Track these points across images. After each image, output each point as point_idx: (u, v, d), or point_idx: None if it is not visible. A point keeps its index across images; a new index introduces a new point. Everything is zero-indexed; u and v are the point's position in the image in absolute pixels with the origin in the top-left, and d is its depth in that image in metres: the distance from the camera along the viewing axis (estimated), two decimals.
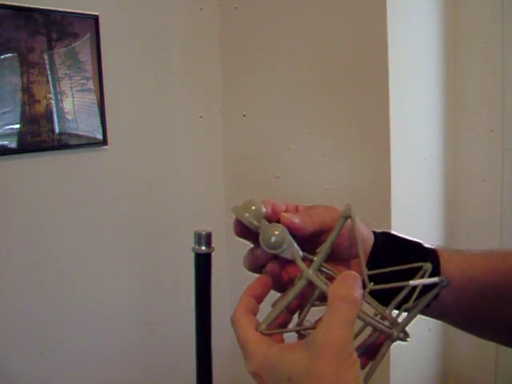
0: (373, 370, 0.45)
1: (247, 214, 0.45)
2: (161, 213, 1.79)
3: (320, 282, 0.43)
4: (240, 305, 0.45)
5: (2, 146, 1.38)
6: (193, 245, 0.48)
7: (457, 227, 1.92)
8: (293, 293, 0.44)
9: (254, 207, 0.45)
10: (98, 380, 1.66)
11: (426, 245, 0.54)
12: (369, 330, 0.46)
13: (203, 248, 0.47)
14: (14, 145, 1.40)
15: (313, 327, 0.45)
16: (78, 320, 1.60)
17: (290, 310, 0.47)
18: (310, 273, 0.43)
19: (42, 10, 1.41)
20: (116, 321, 1.70)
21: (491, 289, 0.51)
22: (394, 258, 0.51)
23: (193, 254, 0.48)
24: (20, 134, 1.40)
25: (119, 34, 1.64)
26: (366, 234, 0.51)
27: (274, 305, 0.46)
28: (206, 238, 0.47)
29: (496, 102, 1.74)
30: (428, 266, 0.48)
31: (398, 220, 1.61)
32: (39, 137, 1.44)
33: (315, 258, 0.46)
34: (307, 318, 0.46)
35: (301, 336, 0.46)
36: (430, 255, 0.52)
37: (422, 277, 0.48)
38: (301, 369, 0.38)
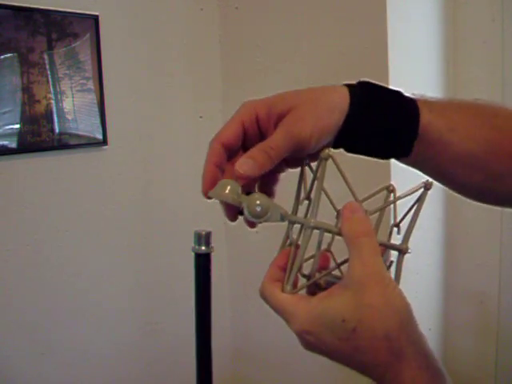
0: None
1: (227, 192, 0.44)
2: (161, 213, 1.79)
3: (328, 225, 0.45)
4: (266, 276, 0.46)
5: (2, 145, 1.38)
6: (193, 245, 0.48)
7: (457, 227, 1.92)
8: (303, 247, 0.44)
9: (229, 186, 0.45)
10: (98, 380, 1.66)
11: (406, 95, 0.49)
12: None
13: (203, 248, 0.47)
14: (14, 145, 1.40)
15: (336, 275, 0.46)
16: (78, 320, 1.60)
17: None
18: (312, 221, 0.44)
19: (42, 9, 1.41)
20: (116, 321, 1.70)
21: (469, 156, 0.49)
22: (371, 125, 0.48)
23: (193, 253, 0.48)
24: (20, 134, 1.40)
25: (119, 34, 1.64)
26: (337, 104, 0.47)
27: (273, 262, 0.47)
28: (206, 238, 0.47)
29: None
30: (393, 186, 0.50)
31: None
32: (39, 137, 1.44)
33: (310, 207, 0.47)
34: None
35: (314, 288, 0.46)
36: (411, 119, 0.48)
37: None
38: (351, 308, 0.39)
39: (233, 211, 0.47)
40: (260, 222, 0.46)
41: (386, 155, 0.51)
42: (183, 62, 1.84)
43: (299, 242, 0.46)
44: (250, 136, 0.47)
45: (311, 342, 0.42)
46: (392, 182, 0.49)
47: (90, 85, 1.55)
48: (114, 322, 1.69)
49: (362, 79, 0.50)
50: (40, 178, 1.49)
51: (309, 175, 0.49)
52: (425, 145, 0.48)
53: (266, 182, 0.50)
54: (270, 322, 2.03)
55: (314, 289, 0.47)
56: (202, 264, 0.47)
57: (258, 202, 0.45)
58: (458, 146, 0.48)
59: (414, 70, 1.63)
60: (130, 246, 1.71)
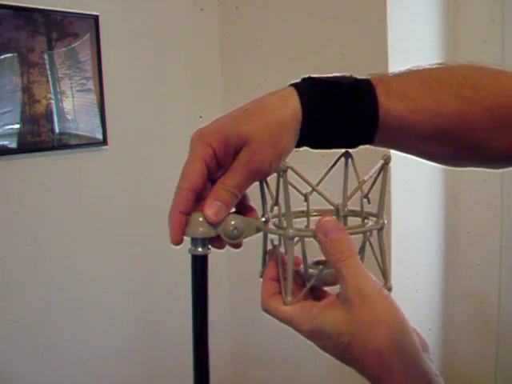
0: (385, 268, 0.49)
1: (201, 229, 0.45)
2: (160, 213, 1.78)
3: (306, 230, 0.46)
4: (264, 291, 0.47)
5: (2, 145, 1.38)
6: (189, 246, 0.48)
7: (457, 227, 1.93)
8: (291, 258, 0.45)
9: (200, 218, 0.45)
10: (98, 380, 1.66)
11: (362, 81, 0.48)
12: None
13: (199, 249, 0.47)
14: (14, 145, 1.40)
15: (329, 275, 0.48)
16: (78, 320, 1.60)
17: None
18: (291, 230, 0.45)
19: (42, 10, 1.41)
20: (115, 321, 1.70)
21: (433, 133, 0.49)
22: (329, 124, 0.47)
23: (190, 255, 0.48)
24: (20, 134, 1.40)
25: (119, 33, 1.64)
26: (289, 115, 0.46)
27: (265, 276, 0.48)
28: (202, 240, 0.47)
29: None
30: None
31: (398, 220, 1.61)
32: (39, 137, 1.44)
33: (283, 219, 0.48)
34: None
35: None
36: (368, 111, 0.47)
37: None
38: (344, 323, 0.41)
39: (217, 241, 0.48)
40: (241, 241, 0.47)
41: (350, 146, 0.50)
42: (183, 62, 1.84)
43: (282, 250, 0.47)
44: (211, 170, 0.46)
45: (319, 346, 0.44)
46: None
47: (90, 85, 1.55)
48: (113, 322, 1.69)
49: (306, 76, 0.49)
50: (40, 178, 1.49)
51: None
52: (387, 130, 0.48)
53: (238, 202, 0.49)
54: (270, 322, 2.03)
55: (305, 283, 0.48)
56: (199, 266, 0.47)
57: (232, 223, 0.46)
58: (423, 126, 0.48)
59: None
60: (130, 246, 1.71)
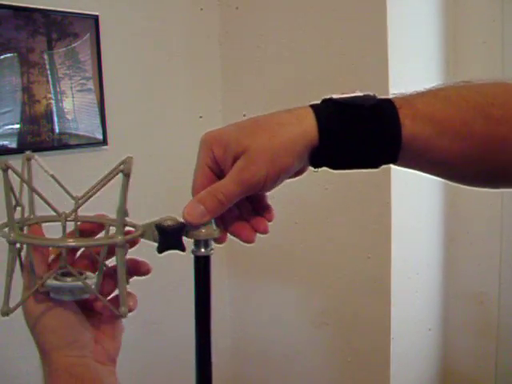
0: (121, 290, 0.47)
1: (203, 230, 0.46)
2: (160, 213, 1.78)
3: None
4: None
5: (2, 146, 1.38)
6: (192, 247, 0.48)
7: (457, 227, 1.92)
8: (121, 266, 0.45)
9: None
10: None
11: (387, 103, 0.45)
12: None
13: (202, 250, 0.47)
14: (14, 145, 1.40)
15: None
16: None
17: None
18: (120, 237, 0.45)
19: (42, 10, 1.41)
20: None
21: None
22: (348, 149, 0.45)
23: (192, 256, 0.48)
24: (20, 134, 1.40)
25: (119, 34, 1.64)
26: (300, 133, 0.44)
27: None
28: (205, 241, 0.47)
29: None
30: None
31: (398, 220, 1.61)
32: (39, 137, 1.44)
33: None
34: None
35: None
36: (391, 137, 0.44)
37: None
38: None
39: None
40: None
41: (371, 167, 0.48)
42: (183, 61, 1.84)
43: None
44: (216, 173, 0.47)
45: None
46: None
47: (90, 85, 1.55)
48: None
49: (327, 97, 0.46)
50: (40, 178, 1.49)
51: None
52: (412, 153, 0.46)
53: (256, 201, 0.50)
54: (270, 322, 2.03)
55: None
56: (202, 266, 0.47)
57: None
58: (450, 148, 0.46)
59: (414, 70, 1.63)
60: None
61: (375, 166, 0.47)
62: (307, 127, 0.44)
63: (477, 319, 1.92)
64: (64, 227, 0.47)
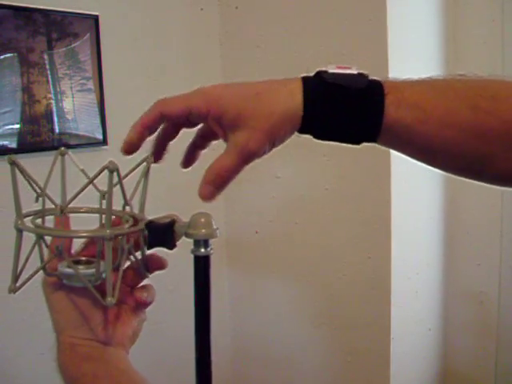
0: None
1: (203, 230, 0.47)
2: (161, 212, 1.78)
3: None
4: None
5: (2, 146, 1.38)
6: (192, 247, 0.48)
7: (457, 227, 1.93)
8: (109, 258, 0.46)
9: (202, 219, 0.47)
10: None
11: (375, 85, 0.47)
12: None
13: (202, 250, 0.47)
14: (14, 145, 1.40)
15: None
16: None
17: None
18: (108, 231, 0.46)
19: (42, 10, 1.41)
20: None
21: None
22: (330, 125, 0.48)
23: (192, 255, 0.48)
24: (20, 134, 1.40)
25: (119, 34, 1.64)
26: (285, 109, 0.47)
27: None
28: (205, 241, 0.47)
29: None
30: None
31: (398, 220, 1.61)
32: (39, 137, 1.44)
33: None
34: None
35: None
36: (372, 119, 0.46)
37: None
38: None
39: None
40: None
41: (352, 143, 0.49)
42: (183, 61, 1.84)
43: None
44: (187, 122, 0.51)
45: None
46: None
47: (90, 85, 1.55)
48: None
49: (323, 69, 0.48)
50: (40, 178, 1.49)
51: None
52: (393, 137, 0.48)
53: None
54: (270, 322, 2.03)
55: None
56: (202, 266, 0.47)
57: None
58: (432, 135, 0.47)
59: (414, 70, 1.63)
60: None
61: (355, 142, 0.49)
62: (298, 103, 0.46)
63: (477, 319, 1.92)
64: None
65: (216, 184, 0.48)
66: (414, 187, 1.72)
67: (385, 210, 1.60)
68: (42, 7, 1.41)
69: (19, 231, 0.49)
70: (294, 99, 0.46)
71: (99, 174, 0.50)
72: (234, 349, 2.04)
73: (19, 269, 0.48)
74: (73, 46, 1.50)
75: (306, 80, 0.48)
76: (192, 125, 0.52)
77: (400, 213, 1.62)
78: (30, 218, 0.51)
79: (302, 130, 0.48)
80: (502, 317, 1.87)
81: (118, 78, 1.63)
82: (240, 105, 0.46)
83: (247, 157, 0.47)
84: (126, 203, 0.51)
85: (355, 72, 0.48)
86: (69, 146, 1.52)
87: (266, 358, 1.97)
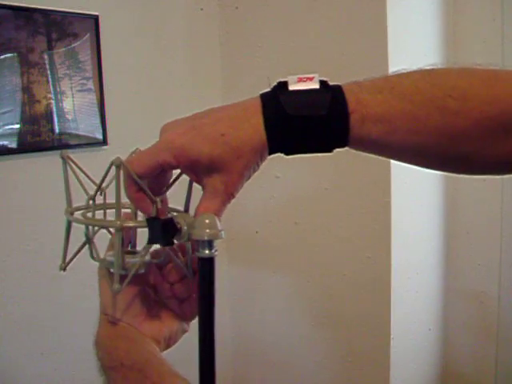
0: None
1: (207, 231, 0.47)
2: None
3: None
4: None
5: (2, 145, 1.38)
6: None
7: (457, 227, 1.92)
8: (118, 247, 0.50)
9: (206, 220, 0.47)
10: (98, 380, 1.65)
11: (335, 100, 0.46)
12: None
13: (206, 252, 0.46)
14: (14, 145, 1.40)
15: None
16: (79, 320, 1.59)
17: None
18: (118, 222, 0.50)
19: (42, 10, 1.41)
20: None
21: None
22: (296, 145, 0.48)
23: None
24: (20, 134, 1.40)
25: (119, 33, 1.64)
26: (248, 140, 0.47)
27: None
28: (209, 242, 0.46)
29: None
30: None
31: (398, 220, 1.61)
32: (39, 137, 1.44)
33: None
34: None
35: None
36: (338, 138, 0.47)
37: None
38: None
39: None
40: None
41: (323, 151, 0.49)
42: (183, 61, 1.84)
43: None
44: (163, 174, 0.51)
45: None
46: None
47: (90, 85, 1.55)
48: None
49: (282, 80, 0.49)
50: (40, 178, 1.49)
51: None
52: (363, 148, 0.49)
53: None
54: (270, 322, 2.03)
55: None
56: (206, 268, 0.47)
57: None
58: (400, 144, 0.47)
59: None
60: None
61: (326, 151, 0.50)
62: (263, 138, 0.47)
63: (477, 319, 1.92)
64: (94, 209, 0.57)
65: None
66: (414, 187, 1.72)
67: (385, 210, 1.60)
68: (41, 7, 1.41)
69: (69, 221, 0.55)
70: (259, 134, 0.47)
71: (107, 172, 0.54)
72: (233, 349, 2.04)
73: (67, 253, 0.56)
74: (73, 45, 1.50)
75: (266, 111, 0.47)
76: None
77: (400, 213, 1.62)
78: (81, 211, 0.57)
79: (271, 154, 0.49)
80: (501, 317, 1.87)
81: (118, 78, 1.63)
82: (209, 151, 0.46)
83: (228, 199, 0.49)
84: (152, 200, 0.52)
85: (317, 86, 0.48)
86: (69, 146, 1.52)
87: (265, 357, 1.97)
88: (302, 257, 1.82)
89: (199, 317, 0.47)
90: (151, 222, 0.49)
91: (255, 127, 0.47)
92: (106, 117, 1.59)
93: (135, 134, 1.70)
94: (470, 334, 1.94)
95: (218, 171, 0.47)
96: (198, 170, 0.48)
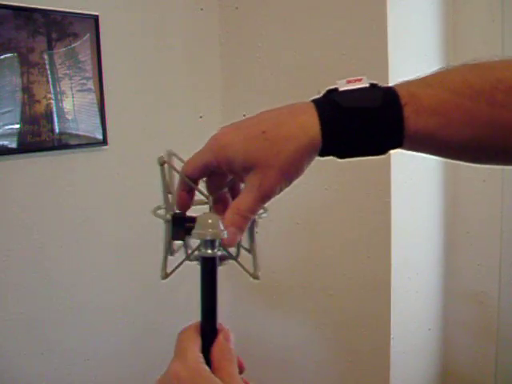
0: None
1: (210, 230, 0.46)
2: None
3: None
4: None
5: (2, 145, 1.38)
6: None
7: (457, 227, 1.92)
8: (168, 237, 0.52)
9: (209, 220, 0.47)
10: (98, 380, 1.66)
11: (391, 96, 0.46)
12: None
13: (209, 251, 0.46)
14: (14, 145, 1.40)
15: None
16: (78, 320, 1.60)
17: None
18: (168, 216, 0.51)
19: (41, 10, 1.41)
20: (116, 321, 1.70)
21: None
22: (351, 145, 0.48)
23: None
24: (20, 134, 1.40)
25: (119, 33, 1.64)
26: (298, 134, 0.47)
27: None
28: (212, 242, 0.46)
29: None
30: None
31: (398, 220, 1.61)
32: (39, 137, 1.44)
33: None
34: None
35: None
36: (393, 133, 0.46)
37: None
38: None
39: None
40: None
41: (377, 154, 0.50)
42: (183, 61, 1.84)
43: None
44: (208, 173, 0.51)
45: None
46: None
47: (90, 85, 1.55)
48: (113, 321, 1.69)
49: (332, 87, 0.48)
50: (40, 178, 1.49)
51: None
52: (416, 143, 0.48)
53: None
54: (270, 322, 2.03)
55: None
56: (209, 267, 0.47)
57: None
58: (455, 138, 0.47)
59: (414, 70, 1.63)
60: (131, 246, 1.71)
61: (380, 154, 0.50)
62: (314, 136, 0.46)
63: (477, 319, 1.92)
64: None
65: (235, 223, 0.48)
66: (414, 187, 1.72)
67: (385, 209, 1.60)
68: (42, 7, 1.42)
69: (167, 222, 0.53)
70: (308, 132, 0.46)
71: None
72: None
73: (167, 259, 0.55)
74: (73, 46, 1.50)
75: (319, 108, 0.47)
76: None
77: (400, 212, 1.62)
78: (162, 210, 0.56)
79: (321, 155, 0.49)
80: (502, 317, 1.87)
81: (118, 78, 1.63)
82: (246, 148, 0.46)
83: (263, 196, 0.47)
84: (169, 191, 0.54)
85: (367, 85, 0.48)
86: (69, 146, 1.52)
87: (265, 357, 1.97)
88: (302, 257, 1.82)
89: (202, 315, 0.47)
90: (177, 219, 0.51)
91: (303, 124, 0.46)
92: (106, 117, 1.59)
93: (135, 134, 1.70)
94: (470, 334, 1.94)
95: (254, 167, 0.46)
96: (236, 169, 0.47)
